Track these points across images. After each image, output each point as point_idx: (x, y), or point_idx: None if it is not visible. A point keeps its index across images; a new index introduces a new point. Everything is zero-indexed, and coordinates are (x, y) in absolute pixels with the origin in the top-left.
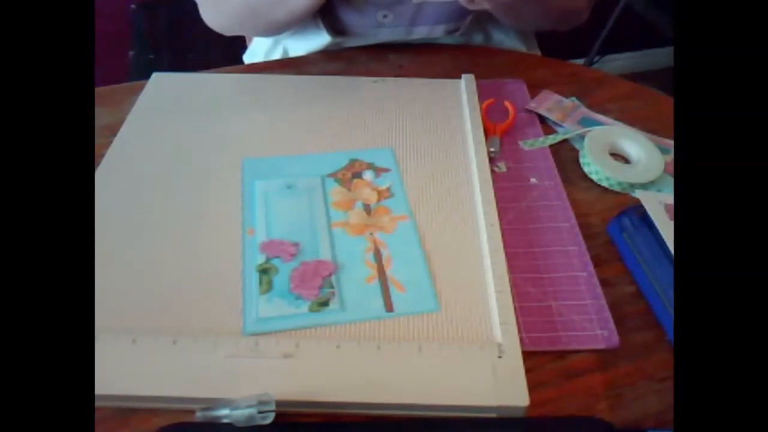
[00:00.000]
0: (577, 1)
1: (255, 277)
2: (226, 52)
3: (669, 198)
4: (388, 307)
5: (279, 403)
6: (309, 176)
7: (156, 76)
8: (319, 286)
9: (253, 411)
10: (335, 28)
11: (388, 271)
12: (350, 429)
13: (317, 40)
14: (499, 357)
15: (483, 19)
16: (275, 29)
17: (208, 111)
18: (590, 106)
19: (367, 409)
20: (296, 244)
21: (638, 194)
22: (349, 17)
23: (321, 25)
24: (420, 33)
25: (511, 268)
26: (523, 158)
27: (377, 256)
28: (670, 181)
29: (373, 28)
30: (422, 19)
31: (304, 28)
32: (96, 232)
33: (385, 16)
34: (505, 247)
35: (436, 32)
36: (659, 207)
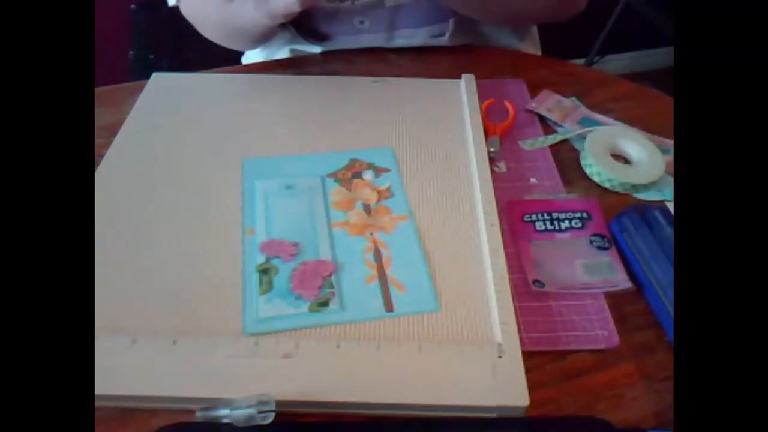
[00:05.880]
0: None
1: (255, 277)
2: (226, 52)
3: None
4: (388, 307)
5: (279, 403)
6: (309, 176)
7: (156, 76)
8: (319, 286)
9: (253, 411)
10: (314, 36)
11: (388, 271)
12: (350, 429)
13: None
14: (499, 357)
15: (473, 21)
16: (251, 47)
17: (208, 111)
18: (590, 106)
19: (367, 409)
20: (296, 244)
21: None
22: (325, 26)
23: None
24: (402, 37)
25: (511, 268)
26: (523, 158)
27: (377, 256)
28: (670, 182)
29: (351, 35)
30: (401, 22)
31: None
32: (96, 232)
33: (361, 22)
34: (505, 247)
35: (419, 36)
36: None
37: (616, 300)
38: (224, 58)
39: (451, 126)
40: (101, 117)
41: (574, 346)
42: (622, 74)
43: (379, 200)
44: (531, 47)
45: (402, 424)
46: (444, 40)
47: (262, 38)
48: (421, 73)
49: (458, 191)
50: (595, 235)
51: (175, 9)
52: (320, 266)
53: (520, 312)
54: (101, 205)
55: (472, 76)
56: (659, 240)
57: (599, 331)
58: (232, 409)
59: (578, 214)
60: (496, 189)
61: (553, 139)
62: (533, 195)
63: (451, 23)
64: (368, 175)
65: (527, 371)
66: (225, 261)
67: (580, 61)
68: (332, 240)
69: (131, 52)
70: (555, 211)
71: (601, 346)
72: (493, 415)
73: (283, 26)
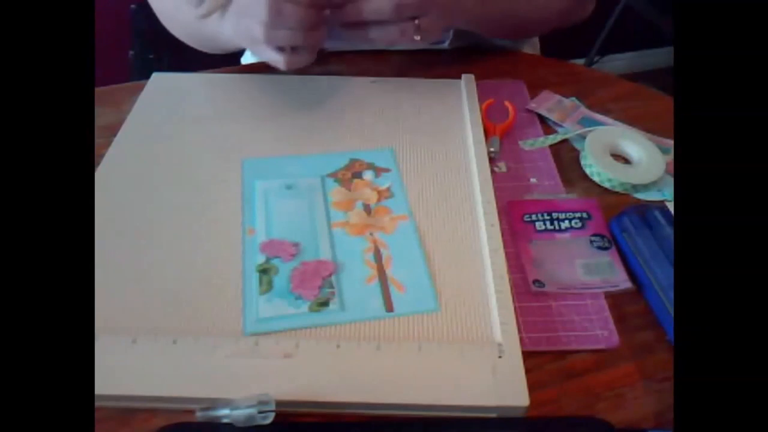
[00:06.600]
0: (553, 3)
1: (255, 277)
2: None
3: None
4: (388, 307)
5: (279, 403)
6: (309, 176)
7: (156, 76)
8: (319, 286)
9: (253, 411)
10: None
11: (388, 271)
12: (350, 429)
13: None
14: (499, 357)
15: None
16: (221, 53)
17: (208, 111)
18: (590, 106)
19: (367, 409)
20: (296, 244)
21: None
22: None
23: None
24: (400, 46)
25: (511, 268)
26: (523, 158)
27: (377, 256)
28: (670, 182)
29: (348, 47)
30: None
31: None
32: (96, 232)
33: None
34: (505, 247)
35: (418, 46)
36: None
37: (616, 300)
38: (224, 58)
39: (451, 126)
40: (101, 117)
41: (574, 346)
42: (622, 74)
43: (379, 200)
44: (530, 51)
45: (402, 424)
46: (443, 47)
47: (235, 50)
48: (421, 73)
49: (458, 191)
50: (595, 235)
51: None
52: (320, 266)
53: (520, 312)
54: (101, 205)
55: (472, 76)
56: (659, 240)
57: (599, 331)
58: (232, 409)
59: (578, 214)
60: (496, 189)
61: (553, 139)
62: (533, 195)
63: (450, 33)
64: (368, 175)
65: (527, 371)
66: (225, 261)
67: (580, 61)
68: (332, 240)
69: (131, 52)
70: (555, 211)
71: (601, 346)
72: (493, 415)
73: None
